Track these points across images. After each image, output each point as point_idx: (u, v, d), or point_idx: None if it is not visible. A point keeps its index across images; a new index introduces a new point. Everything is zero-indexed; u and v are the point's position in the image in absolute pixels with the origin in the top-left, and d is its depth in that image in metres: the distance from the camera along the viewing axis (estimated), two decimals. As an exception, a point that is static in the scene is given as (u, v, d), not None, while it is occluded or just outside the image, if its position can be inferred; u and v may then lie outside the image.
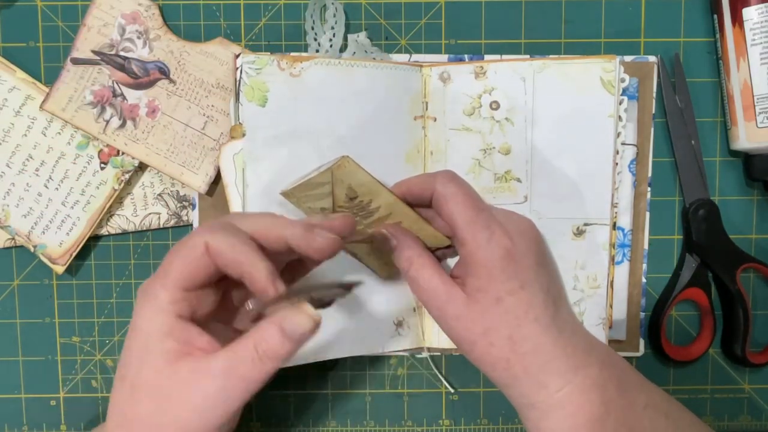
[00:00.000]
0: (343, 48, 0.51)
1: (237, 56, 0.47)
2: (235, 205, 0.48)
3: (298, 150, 0.48)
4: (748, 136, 0.50)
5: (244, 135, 0.47)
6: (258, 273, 0.36)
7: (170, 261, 0.37)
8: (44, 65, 0.51)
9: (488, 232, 0.39)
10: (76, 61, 0.49)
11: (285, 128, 0.48)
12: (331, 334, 0.50)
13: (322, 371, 0.53)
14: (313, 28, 0.50)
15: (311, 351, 0.49)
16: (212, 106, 0.50)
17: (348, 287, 0.41)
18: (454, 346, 0.50)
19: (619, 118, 0.49)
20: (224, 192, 0.48)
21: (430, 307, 0.41)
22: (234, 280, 0.38)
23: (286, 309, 0.36)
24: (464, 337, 0.40)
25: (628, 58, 0.51)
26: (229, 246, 0.36)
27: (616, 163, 0.49)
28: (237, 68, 0.47)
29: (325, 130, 0.48)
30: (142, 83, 0.50)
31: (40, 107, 0.49)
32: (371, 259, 0.47)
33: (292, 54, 0.50)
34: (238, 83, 0.47)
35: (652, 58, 0.51)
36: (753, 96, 0.49)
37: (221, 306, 0.40)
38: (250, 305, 0.40)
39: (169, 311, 0.36)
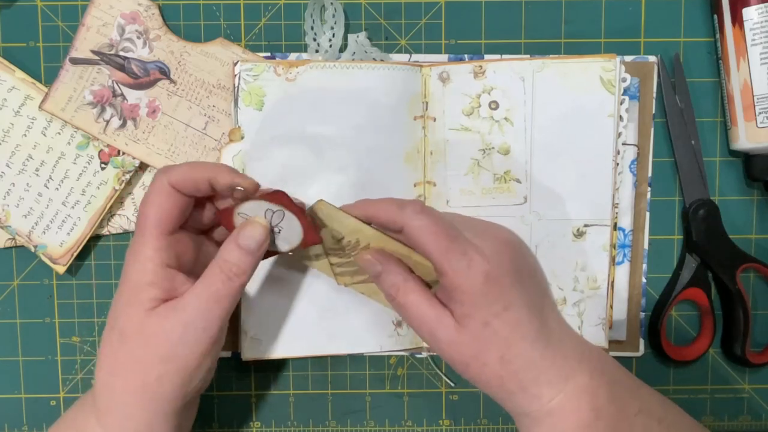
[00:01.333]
0: (343, 48, 0.51)
1: (235, 64, 0.48)
2: None
3: (296, 152, 0.49)
4: (748, 136, 0.50)
5: (242, 138, 0.48)
6: (224, 173, 0.41)
7: (144, 213, 0.41)
8: (44, 65, 0.51)
9: (465, 259, 0.38)
10: (75, 61, 0.49)
11: (282, 131, 0.49)
12: (330, 331, 0.50)
13: (322, 371, 0.53)
14: (312, 29, 0.50)
15: (310, 347, 0.50)
16: (213, 106, 0.50)
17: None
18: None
19: (620, 118, 0.49)
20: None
21: (420, 332, 0.41)
22: (210, 222, 0.44)
23: (239, 227, 0.42)
24: (457, 360, 0.40)
25: (628, 58, 0.51)
26: (189, 169, 0.41)
27: (617, 164, 0.49)
28: (235, 75, 0.48)
29: (323, 132, 0.49)
30: (142, 83, 0.50)
31: (40, 107, 0.49)
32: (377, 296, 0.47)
33: (289, 59, 0.50)
34: (236, 89, 0.48)
35: (652, 58, 0.51)
36: (753, 96, 0.49)
37: (204, 252, 0.45)
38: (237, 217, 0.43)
39: (155, 260, 0.40)
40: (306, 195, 0.48)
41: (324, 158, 0.49)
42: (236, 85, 0.48)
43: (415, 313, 0.40)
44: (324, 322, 0.50)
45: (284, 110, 0.49)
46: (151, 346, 0.40)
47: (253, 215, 0.42)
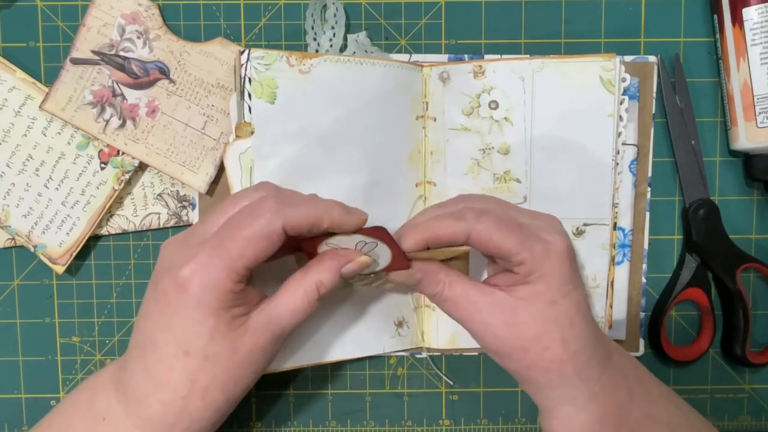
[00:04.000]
0: (343, 48, 0.51)
1: (242, 52, 0.45)
2: None
3: (307, 149, 0.47)
4: (748, 136, 0.50)
5: (252, 133, 0.46)
6: (338, 212, 0.39)
7: (243, 247, 0.38)
8: (44, 65, 0.51)
9: (542, 243, 0.39)
10: (76, 61, 0.49)
11: (294, 126, 0.46)
12: (333, 336, 0.49)
13: (322, 371, 0.53)
14: (313, 28, 0.50)
15: (314, 353, 0.49)
16: (212, 105, 0.50)
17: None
18: (453, 347, 0.51)
19: (620, 118, 0.49)
20: (227, 192, 0.47)
21: (472, 323, 0.41)
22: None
23: (346, 254, 0.41)
24: (514, 345, 0.40)
25: (628, 58, 0.51)
26: (308, 214, 0.39)
27: (617, 164, 0.49)
28: (242, 65, 0.46)
29: (335, 129, 0.47)
30: (142, 83, 0.50)
31: (40, 107, 0.49)
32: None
33: (301, 51, 0.49)
34: (242, 80, 0.46)
35: (652, 58, 0.51)
36: (753, 96, 0.49)
37: None
38: (326, 246, 0.42)
39: (231, 288, 0.38)
40: (313, 193, 0.46)
41: (335, 157, 0.47)
42: (243, 75, 0.45)
43: (465, 302, 0.40)
44: (329, 329, 0.49)
45: (297, 104, 0.46)
46: (235, 368, 0.40)
47: (343, 246, 0.41)
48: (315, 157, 0.47)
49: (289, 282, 0.41)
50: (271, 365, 0.46)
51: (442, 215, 0.41)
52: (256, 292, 0.41)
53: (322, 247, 0.41)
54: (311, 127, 0.47)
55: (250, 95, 0.46)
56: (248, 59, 0.46)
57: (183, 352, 0.39)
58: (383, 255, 0.41)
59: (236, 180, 0.46)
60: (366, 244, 0.41)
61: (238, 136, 0.46)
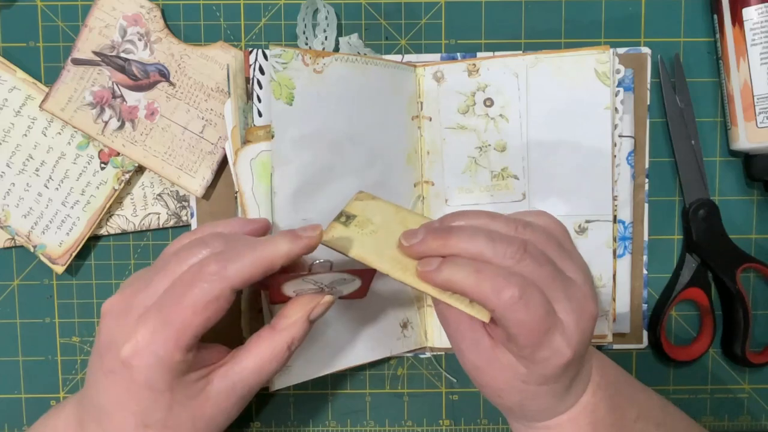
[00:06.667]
0: (336, 50, 0.50)
1: (250, 51, 0.44)
2: (252, 215, 0.44)
3: (322, 153, 0.45)
4: (748, 136, 0.50)
5: (273, 136, 0.43)
6: (289, 252, 0.36)
7: (188, 317, 0.35)
8: (44, 65, 0.51)
9: (551, 350, 0.36)
10: (77, 62, 0.49)
11: (311, 128, 0.44)
12: (342, 344, 0.48)
13: (321, 371, 0.53)
14: (304, 32, 0.50)
15: (324, 363, 0.48)
16: (211, 109, 0.50)
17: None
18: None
19: (616, 110, 0.48)
20: (225, 197, 0.47)
21: (466, 351, 0.39)
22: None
23: (309, 301, 0.39)
24: (489, 385, 0.39)
25: (621, 50, 0.51)
26: (250, 270, 0.36)
27: (614, 156, 0.49)
28: (250, 65, 0.44)
29: (345, 131, 0.46)
30: (141, 85, 0.50)
31: (40, 107, 0.49)
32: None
33: (315, 49, 0.49)
34: (252, 81, 0.44)
35: (645, 50, 0.51)
36: (753, 96, 0.49)
37: None
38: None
39: (181, 359, 0.36)
40: (329, 200, 0.45)
41: (344, 159, 0.46)
42: (252, 76, 0.44)
43: (456, 326, 0.39)
44: (337, 337, 0.48)
45: (314, 106, 0.44)
46: (208, 426, 0.38)
47: (318, 282, 0.39)
48: (328, 160, 0.46)
49: (256, 342, 0.39)
50: (282, 380, 0.45)
51: (483, 275, 0.35)
52: (213, 349, 0.39)
53: (288, 288, 0.39)
54: (325, 129, 0.45)
55: (259, 98, 0.44)
56: (258, 58, 0.44)
57: (143, 425, 0.37)
58: (352, 285, 0.40)
59: (247, 187, 0.44)
60: (345, 279, 0.39)
61: (248, 141, 0.44)
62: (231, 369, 0.38)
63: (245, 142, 0.44)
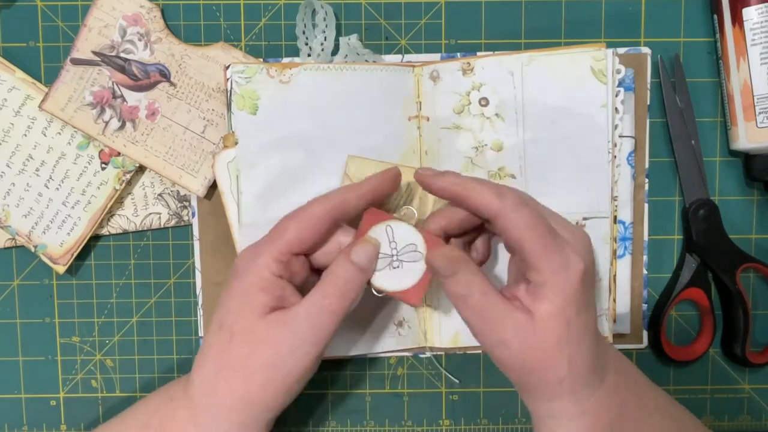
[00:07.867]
0: (335, 51, 0.51)
1: (227, 67, 0.47)
2: (231, 213, 0.48)
3: (291, 156, 0.48)
4: (748, 136, 0.50)
5: (236, 143, 0.48)
6: (370, 192, 0.43)
7: (285, 226, 0.41)
8: (44, 65, 0.51)
9: (563, 257, 0.38)
10: (76, 62, 0.49)
11: (277, 135, 0.48)
12: (336, 338, 0.49)
13: (322, 371, 0.53)
14: (304, 33, 0.50)
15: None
16: (212, 110, 0.50)
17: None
18: (455, 345, 0.51)
19: (616, 110, 0.48)
20: (222, 198, 0.48)
21: (487, 336, 0.40)
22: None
23: (350, 244, 0.42)
24: (523, 364, 0.39)
25: (621, 50, 0.51)
26: (342, 197, 0.42)
27: (614, 156, 0.49)
28: (227, 78, 0.47)
29: (319, 135, 0.48)
30: (142, 85, 0.50)
31: (39, 107, 0.49)
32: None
33: (282, 62, 0.50)
34: (229, 93, 0.47)
35: (645, 50, 0.51)
36: (753, 96, 0.49)
37: (311, 281, 0.43)
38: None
39: (273, 270, 0.40)
40: (303, 199, 0.46)
41: (320, 161, 0.49)
42: (229, 89, 0.48)
43: (486, 315, 0.39)
44: None
45: (279, 114, 0.48)
46: (260, 351, 0.40)
47: (397, 236, 0.43)
48: (300, 162, 0.48)
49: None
50: None
51: (485, 182, 0.41)
52: (299, 298, 0.41)
53: (377, 229, 0.43)
54: (295, 135, 0.48)
55: (232, 107, 0.48)
56: (231, 74, 0.47)
57: (218, 325, 0.42)
58: (413, 270, 0.43)
59: (226, 187, 0.48)
60: (415, 247, 0.43)
61: (225, 146, 0.48)
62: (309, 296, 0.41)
63: (223, 147, 0.48)
